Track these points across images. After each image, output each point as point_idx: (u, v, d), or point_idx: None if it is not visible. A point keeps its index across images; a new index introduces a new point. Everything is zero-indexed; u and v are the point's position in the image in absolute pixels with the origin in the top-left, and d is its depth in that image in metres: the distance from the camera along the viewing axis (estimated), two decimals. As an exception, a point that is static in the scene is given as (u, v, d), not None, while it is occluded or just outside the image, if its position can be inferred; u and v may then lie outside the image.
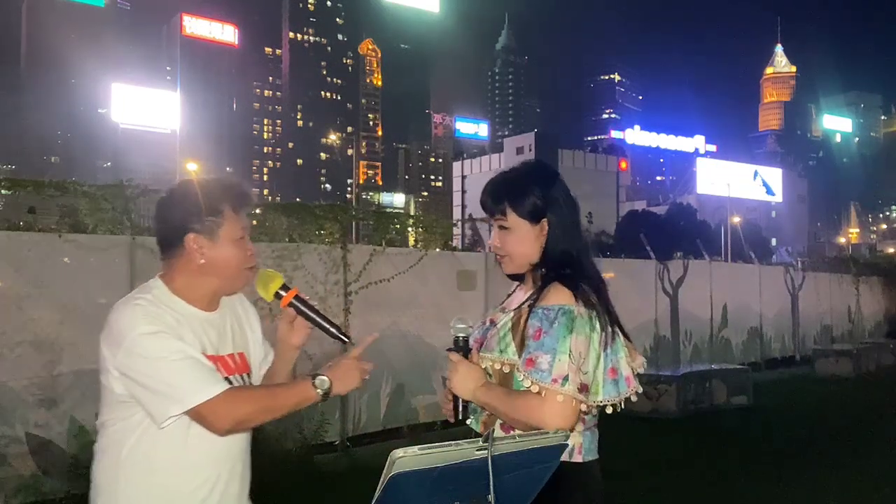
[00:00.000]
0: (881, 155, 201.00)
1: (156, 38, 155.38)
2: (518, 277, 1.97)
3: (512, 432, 1.73)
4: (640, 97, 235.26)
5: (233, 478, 1.88)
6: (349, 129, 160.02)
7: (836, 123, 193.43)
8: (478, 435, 1.81)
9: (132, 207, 6.22)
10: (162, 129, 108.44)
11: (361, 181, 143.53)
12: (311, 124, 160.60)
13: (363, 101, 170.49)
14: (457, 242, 12.12)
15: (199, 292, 1.86)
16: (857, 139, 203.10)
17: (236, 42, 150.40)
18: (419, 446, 1.26)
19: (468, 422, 1.88)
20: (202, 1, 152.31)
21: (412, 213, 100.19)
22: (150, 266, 6.51)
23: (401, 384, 7.75)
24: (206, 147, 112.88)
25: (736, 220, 46.55)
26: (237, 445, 1.88)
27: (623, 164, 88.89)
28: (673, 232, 34.48)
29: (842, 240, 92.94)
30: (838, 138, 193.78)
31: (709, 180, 78.45)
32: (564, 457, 1.73)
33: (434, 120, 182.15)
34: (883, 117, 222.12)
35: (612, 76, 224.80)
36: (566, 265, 1.83)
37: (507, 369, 1.80)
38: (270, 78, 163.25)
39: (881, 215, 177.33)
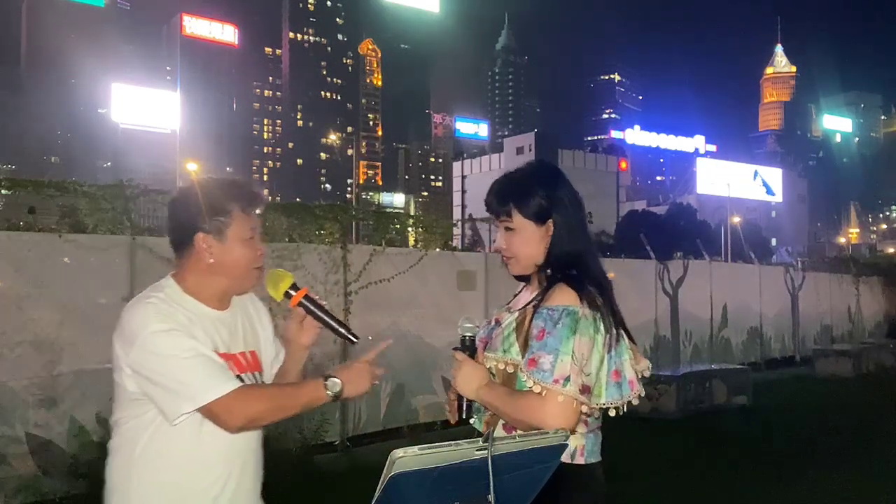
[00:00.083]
0: (881, 155, 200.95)
1: (156, 38, 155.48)
2: (524, 278, 1.96)
3: (514, 432, 1.73)
4: (640, 97, 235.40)
5: (245, 475, 1.89)
6: (349, 129, 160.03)
7: (836, 123, 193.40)
8: (479, 434, 1.81)
9: (132, 207, 6.22)
10: (162, 129, 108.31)
11: (361, 181, 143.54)
12: (311, 124, 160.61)
13: (363, 101, 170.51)
14: (457, 242, 12.12)
15: (209, 291, 1.87)
16: (857, 139, 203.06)
17: (236, 42, 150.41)
18: (419, 446, 1.26)
19: (471, 421, 1.88)
20: (202, 1, 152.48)
21: (412, 213, 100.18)
22: (150, 266, 6.55)
23: (401, 384, 7.75)
24: (206, 147, 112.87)
25: (736, 220, 46.54)
26: (249, 443, 1.89)
27: (623, 164, 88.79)
28: (673, 232, 34.47)
29: (842, 240, 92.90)
30: (838, 138, 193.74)
31: (709, 180, 78.40)
32: (567, 458, 1.73)
33: (434, 120, 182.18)
34: (883, 117, 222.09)
35: (612, 76, 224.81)
36: (572, 266, 1.83)
37: (510, 369, 1.79)
38: (270, 78, 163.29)
39: (881, 215, 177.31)
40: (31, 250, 5.55)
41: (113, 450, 1.84)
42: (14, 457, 5.27)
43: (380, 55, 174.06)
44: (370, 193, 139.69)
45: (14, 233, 5.69)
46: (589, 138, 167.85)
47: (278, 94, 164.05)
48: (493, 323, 1.94)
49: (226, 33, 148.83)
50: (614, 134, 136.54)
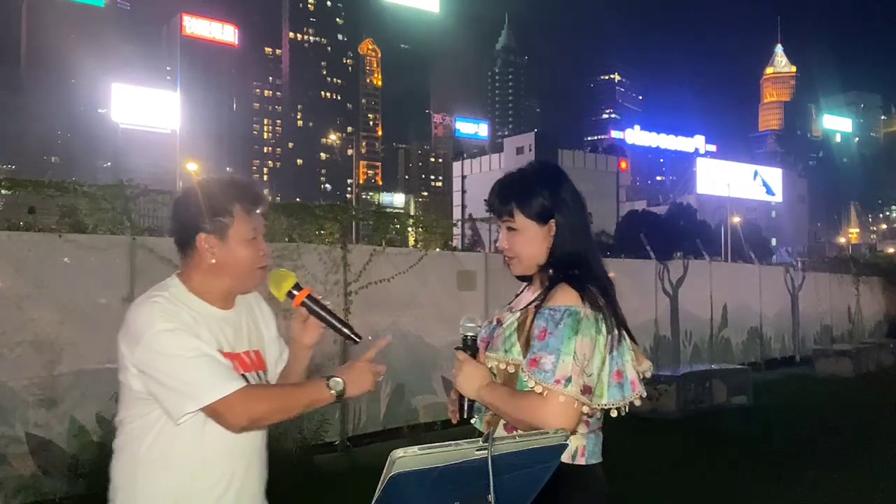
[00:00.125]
0: (881, 155, 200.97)
1: (156, 38, 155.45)
2: (527, 278, 1.96)
3: (515, 432, 1.73)
4: (640, 97, 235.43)
5: (249, 475, 1.89)
6: (349, 129, 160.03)
7: (836, 123, 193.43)
8: (480, 434, 1.81)
9: (132, 207, 6.22)
10: (162, 129, 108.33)
11: (361, 181, 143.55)
12: (311, 124, 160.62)
13: (363, 101, 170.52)
14: (457, 242, 12.12)
15: (214, 291, 1.88)
16: (857, 139, 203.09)
17: (236, 42, 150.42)
18: (419, 446, 1.26)
19: (473, 421, 1.87)
20: (202, 1, 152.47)
21: (412, 213, 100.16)
22: (150, 266, 6.55)
23: (401, 384, 7.75)
24: (206, 147, 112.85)
25: (736, 220, 46.54)
26: (253, 443, 1.90)
27: (623, 164, 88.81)
28: (673, 232, 34.47)
29: (842, 240, 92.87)
30: (838, 138, 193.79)
31: (709, 180, 78.41)
32: (568, 459, 1.73)
33: (434, 120, 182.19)
34: (883, 117, 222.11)
35: (612, 76, 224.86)
36: (574, 266, 1.82)
37: (511, 369, 1.79)
38: (270, 78, 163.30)
39: (881, 215, 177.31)
40: (31, 250, 5.55)
41: (118, 449, 1.84)
42: (14, 457, 5.27)
43: (380, 55, 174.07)
44: (370, 193, 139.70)
45: (14, 233, 5.68)
46: (589, 138, 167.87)
47: (278, 94, 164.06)
48: (494, 323, 1.93)
49: (226, 33, 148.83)
50: (614, 134, 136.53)
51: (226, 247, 1.84)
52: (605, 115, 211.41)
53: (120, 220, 6.10)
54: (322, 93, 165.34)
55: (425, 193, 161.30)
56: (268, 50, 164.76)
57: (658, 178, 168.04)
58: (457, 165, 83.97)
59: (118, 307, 5.82)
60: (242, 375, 1.83)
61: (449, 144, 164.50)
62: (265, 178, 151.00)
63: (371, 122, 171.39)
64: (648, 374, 1.86)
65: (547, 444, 1.46)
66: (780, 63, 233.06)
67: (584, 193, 1.97)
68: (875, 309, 19.28)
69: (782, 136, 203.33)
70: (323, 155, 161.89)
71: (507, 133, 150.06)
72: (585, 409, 1.72)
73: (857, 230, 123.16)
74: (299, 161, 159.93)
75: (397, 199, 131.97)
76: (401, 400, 7.79)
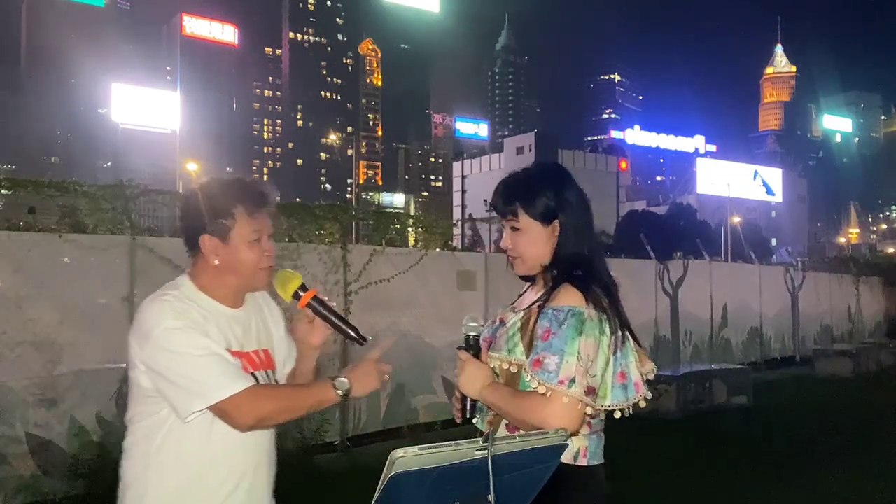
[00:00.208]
0: (881, 155, 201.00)
1: (156, 38, 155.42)
2: (530, 278, 1.96)
3: (516, 432, 1.73)
4: (640, 97, 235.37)
5: (258, 474, 1.90)
6: (349, 129, 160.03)
7: (836, 123, 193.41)
8: (481, 434, 1.81)
9: (132, 207, 6.22)
10: (162, 129, 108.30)
11: (361, 181, 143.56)
12: (311, 124, 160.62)
13: (363, 101, 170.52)
14: (457, 242, 12.13)
15: (221, 290, 1.89)
16: (857, 139, 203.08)
17: (236, 42, 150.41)
18: (419, 446, 1.26)
19: (474, 421, 1.87)
20: (202, 1, 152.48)
21: (412, 213, 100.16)
22: (150, 266, 6.54)
23: (401, 384, 7.75)
24: (206, 147, 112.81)
25: (736, 220, 46.55)
26: (261, 442, 1.91)
27: (623, 164, 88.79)
28: (673, 232, 34.45)
29: (842, 240, 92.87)
30: (838, 138, 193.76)
31: (709, 180, 78.40)
32: (570, 460, 1.73)
33: (434, 120, 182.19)
34: (883, 117, 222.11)
35: (612, 76, 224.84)
36: (578, 266, 1.82)
37: (514, 369, 1.79)
38: (270, 78, 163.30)
39: (881, 215, 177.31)
40: (31, 250, 5.55)
41: (127, 448, 1.85)
42: (14, 457, 5.27)
43: (380, 55, 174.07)
44: (370, 193, 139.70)
45: (14, 233, 5.68)
46: (589, 138, 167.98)
47: (278, 94, 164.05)
48: (497, 322, 1.93)
49: (226, 33, 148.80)
50: (614, 134, 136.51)
51: (228, 248, 1.85)
52: (605, 115, 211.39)
53: (120, 220, 6.10)
54: (322, 93, 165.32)
55: (425, 193, 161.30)
56: (268, 50, 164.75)
57: (658, 178, 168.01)
58: (457, 165, 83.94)
59: (118, 307, 5.82)
60: (251, 374, 1.84)
61: (449, 144, 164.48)
62: (265, 178, 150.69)
63: (371, 122, 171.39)
64: (652, 376, 1.86)
65: (547, 444, 1.46)
66: (780, 63, 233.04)
67: (584, 194, 1.96)
68: (875, 309, 19.28)
69: (782, 136, 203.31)
70: (323, 155, 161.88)
71: (507, 133, 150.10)
72: (589, 410, 1.72)
73: (857, 230, 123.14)
74: (299, 161, 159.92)
75: (397, 199, 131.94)
76: (401, 400, 7.80)
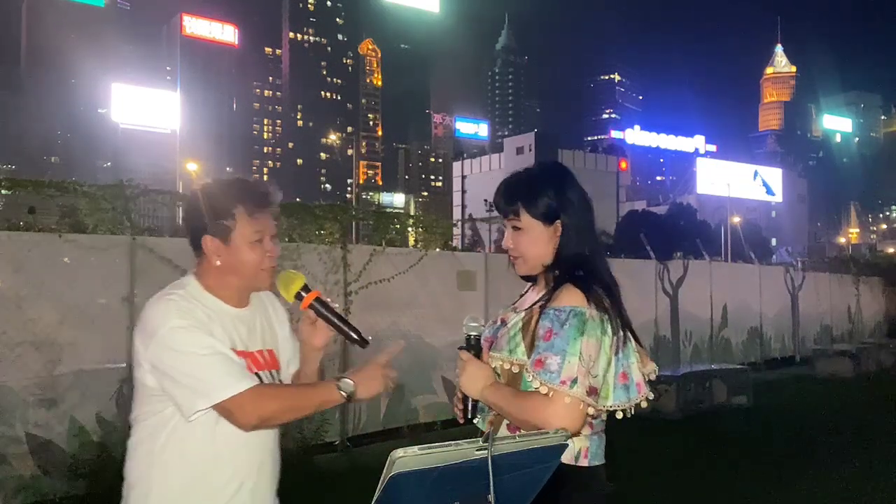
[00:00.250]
0: (881, 155, 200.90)
1: (156, 38, 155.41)
2: (531, 278, 1.95)
3: (517, 433, 1.72)
4: (640, 97, 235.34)
5: (261, 474, 1.91)
6: (349, 129, 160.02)
7: (836, 123, 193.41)
8: (481, 434, 1.80)
9: (132, 207, 6.22)
10: (162, 129, 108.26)
11: (361, 181, 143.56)
12: (311, 124, 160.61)
13: (363, 101, 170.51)
14: (457, 242, 12.13)
15: (225, 290, 1.90)
16: (857, 139, 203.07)
17: (236, 42, 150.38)
18: (419, 446, 1.26)
19: (475, 421, 1.87)
20: (202, 1, 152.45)
21: (412, 213, 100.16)
22: (150, 266, 6.54)
23: (401, 384, 7.73)
24: (206, 147, 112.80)
25: (736, 220, 46.55)
26: (265, 442, 1.91)
27: (623, 164, 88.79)
28: (673, 232, 34.43)
29: (842, 240, 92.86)
30: (838, 138, 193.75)
31: (709, 180, 78.40)
32: (571, 460, 1.73)
33: (434, 120, 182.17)
34: (883, 117, 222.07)
35: (612, 76, 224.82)
36: (579, 267, 1.81)
37: (516, 369, 1.78)
38: (270, 78, 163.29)
39: (881, 215, 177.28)
40: (31, 250, 5.55)
41: (132, 447, 1.86)
42: (14, 457, 5.27)
43: (380, 55, 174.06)
44: (370, 193, 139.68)
45: (14, 233, 5.68)
46: (589, 138, 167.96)
47: (278, 94, 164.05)
48: (498, 322, 1.92)
49: (226, 33, 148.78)
50: (614, 134, 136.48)
51: (230, 249, 1.86)
52: (605, 115, 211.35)
53: (120, 220, 6.10)
54: (322, 93, 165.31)
55: (425, 193, 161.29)
56: (268, 50, 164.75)
57: (658, 178, 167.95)
58: (457, 165, 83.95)
59: (118, 307, 5.82)
60: (255, 374, 1.85)
61: (449, 144, 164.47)
62: (265, 177, 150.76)
63: (371, 122, 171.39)
64: (653, 377, 1.85)
65: (547, 445, 1.46)
66: (780, 63, 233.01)
67: (585, 194, 1.95)
68: (875, 309, 19.28)
69: (782, 136, 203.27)
70: (323, 155, 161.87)
71: (507, 133, 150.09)
72: (591, 410, 1.71)
73: (857, 230, 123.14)
74: (299, 161, 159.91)
75: (397, 199, 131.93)
76: (401, 400, 7.79)
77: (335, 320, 1.92)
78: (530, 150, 76.29)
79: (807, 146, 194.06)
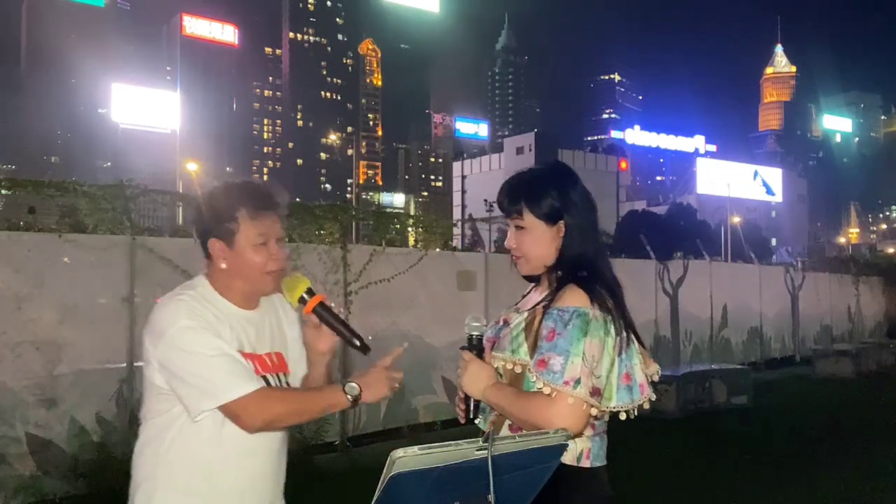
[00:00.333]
0: (881, 155, 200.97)
1: (156, 38, 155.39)
2: (533, 279, 1.95)
3: (519, 433, 1.72)
4: (640, 97, 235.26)
5: (267, 475, 1.91)
6: (349, 129, 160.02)
7: (836, 123, 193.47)
8: (482, 434, 1.80)
9: (132, 207, 6.22)
10: (162, 129, 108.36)
11: (361, 181, 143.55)
12: (311, 124, 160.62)
13: (363, 101, 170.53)
14: (457, 242, 12.13)
15: (234, 292, 1.90)
16: (857, 139, 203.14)
17: (236, 42, 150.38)
18: (419, 446, 1.26)
19: (476, 421, 1.86)
20: (202, 1, 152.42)
21: (412, 213, 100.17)
22: (150, 266, 6.53)
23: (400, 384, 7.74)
24: (206, 147, 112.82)
25: (736, 220, 46.53)
26: (271, 444, 1.91)
27: (623, 164, 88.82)
28: (673, 232, 34.42)
29: (842, 240, 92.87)
30: (838, 138, 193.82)
31: (709, 180, 78.43)
32: (572, 461, 1.72)
33: (434, 120, 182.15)
34: (883, 117, 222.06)
35: (612, 76, 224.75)
36: (582, 267, 1.81)
37: (518, 369, 1.78)
38: (270, 78, 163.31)
39: (881, 215, 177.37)
40: (31, 250, 5.55)
41: (140, 445, 1.87)
42: (14, 457, 5.27)
43: (380, 55, 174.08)
44: (370, 193, 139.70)
45: (14, 233, 5.69)
46: (589, 138, 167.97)
47: (278, 94, 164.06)
48: (501, 323, 1.92)
49: (226, 33, 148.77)
50: (614, 134, 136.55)
51: (234, 252, 1.86)
52: (605, 115, 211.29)
53: (120, 220, 6.11)
54: (322, 93, 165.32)
55: (425, 193, 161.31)
56: (268, 50, 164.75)
57: (658, 178, 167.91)
58: (457, 165, 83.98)
59: (118, 307, 5.83)
60: (263, 376, 1.85)
61: (449, 144, 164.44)
62: (265, 177, 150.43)
63: (371, 122, 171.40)
64: (657, 378, 1.85)
65: (547, 445, 1.46)
66: (780, 63, 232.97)
67: (586, 195, 1.95)
68: (875, 309, 19.29)
69: (782, 136, 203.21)
70: (323, 155, 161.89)
71: (507, 133, 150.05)
72: (594, 411, 1.71)
73: (857, 230, 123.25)
74: (299, 161, 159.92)
75: (397, 199, 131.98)
76: (401, 400, 7.79)
77: (338, 326, 1.91)
78: (530, 150, 76.30)
79: (807, 146, 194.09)
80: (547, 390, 1.67)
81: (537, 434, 1.52)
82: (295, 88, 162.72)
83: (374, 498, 1.27)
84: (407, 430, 7.83)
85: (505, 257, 1.98)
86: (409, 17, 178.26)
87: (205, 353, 1.75)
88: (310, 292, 1.90)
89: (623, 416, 1.78)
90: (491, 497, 1.33)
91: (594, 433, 1.78)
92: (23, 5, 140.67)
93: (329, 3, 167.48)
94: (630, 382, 1.76)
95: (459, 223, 17.38)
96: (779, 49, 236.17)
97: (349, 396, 1.80)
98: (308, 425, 6.42)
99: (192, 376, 1.75)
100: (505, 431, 1.79)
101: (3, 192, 6.52)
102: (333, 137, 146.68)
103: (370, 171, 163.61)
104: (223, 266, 1.87)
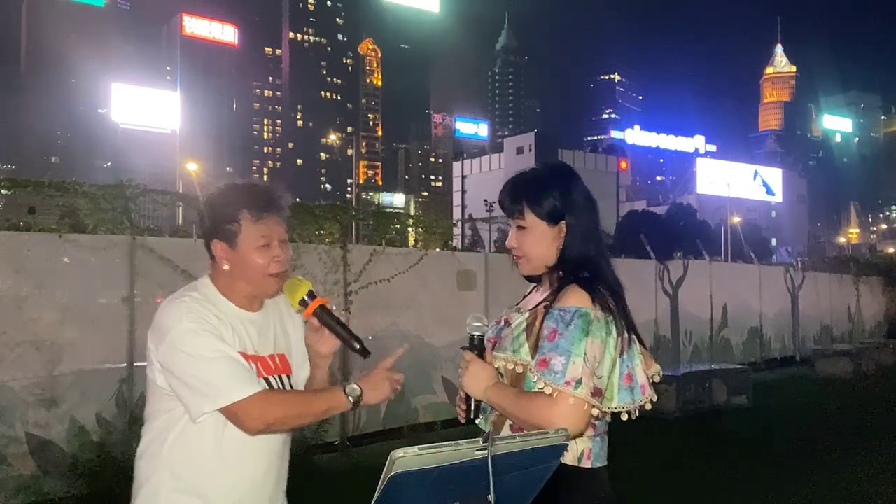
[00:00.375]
0: (881, 155, 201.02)
1: (156, 38, 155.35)
2: (534, 279, 1.95)
3: (520, 433, 1.72)
4: (640, 97, 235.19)
5: (268, 477, 1.91)
6: (349, 129, 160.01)
7: (836, 123, 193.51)
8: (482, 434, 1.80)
9: (132, 207, 6.23)
10: (162, 129, 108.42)
11: (361, 181, 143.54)
12: (311, 124, 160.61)
13: (363, 101, 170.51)
14: (457, 242, 12.13)
15: (237, 293, 1.90)
16: (857, 139, 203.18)
17: (236, 42, 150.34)
18: (419, 446, 1.26)
19: (477, 421, 1.86)
20: (202, 1, 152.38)
21: (412, 213, 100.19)
22: (150, 266, 6.54)
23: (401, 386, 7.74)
24: (206, 147, 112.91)
25: (736, 220, 46.52)
26: (273, 446, 1.91)
27: (623, 164, 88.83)
28: (673, 232, 34.44)
29: (842, 240, 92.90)
30: (838, 138, 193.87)
31: (709, 180, 78.43)
32: (573, 462, 1.72)
33: (434, 120, 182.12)
34: (883, 117, 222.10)
35: (612, 76, 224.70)
36: (584, 268, 1.81)
37: (519, 370, 1.77)
38: (270, 78, 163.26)
39: (881, 215, 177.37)
40: (31, 250, 5.55)
41: (143, 445, 1.87)
42: (14, 457, 5.27)
43: (380, 55, 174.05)
44: (370, 193, 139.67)
45: (14, 233, 5.69)
46: (589, 138, 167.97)
47: (278, 94, 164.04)
48: (502, 323, 1.91)
49: (226, 33, 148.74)
50: (614, 134, 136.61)
51: (236, 253, 1.86)
52: (605, 115, 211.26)
53: (120, 220, 6.11)
54: (322, 93, 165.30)
55: (425, 193, 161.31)
56: (268, 50, 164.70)
57: (658, 178, 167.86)
58: (457, 165, 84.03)
59: (118, 307, 5.83)
60: (265, 379, 1.85)
61: (449, 144, 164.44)
62: (265, 177, 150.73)
63: (371, 122, 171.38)
64: (658, 379, 1.85)
65: (547, 444, 1.45)
66: (780, 63, 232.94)
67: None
68: (875, 309, 19.29)
69: (782, 136, 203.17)
70: (323, 155, 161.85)
71: (507, 133, 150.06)
72: (595, 411, 1.71)
73: (857, 230, 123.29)
74: (299, 161, 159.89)
75: (397, 199, 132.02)
76: (401, 400, 7.79)
77: (338, 329, 1.90)
78: (530, 150, 76.29)
79: (807, 146, 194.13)
80: (548, 391, 1.67)
81: (537, 434, 1.51)
82: (295, 88, 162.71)
83: (374, 498, 1.27)
84: (407, 430, 7.83)
85: (505, 257, 1.98)
86: (409, 17, 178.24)
87: (206, 355, 1.75)
88: (311, 295, 1.90)
89: (625, 417, 1.78)
90: (491, 497, 1.33)
91: (595, 434, 1.78)
92: (23, 5, 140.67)
93: (329, 3, 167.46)
94: (631, 383, 1.76)
95: (459, 223, 17.37)
96: (779, 49, 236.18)
97: (350, 399, 1.80)
98: (308, 425, 6.42)
99: (193, 379, 1.75)
100: (506, 432, 1.78)
101: (3, 192, 6.52)
102: (333, 137, 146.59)
103: (370, 171, 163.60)
104: (226, 267, 1.87)
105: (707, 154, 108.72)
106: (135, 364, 5.75)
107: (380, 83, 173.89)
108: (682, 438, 7.97)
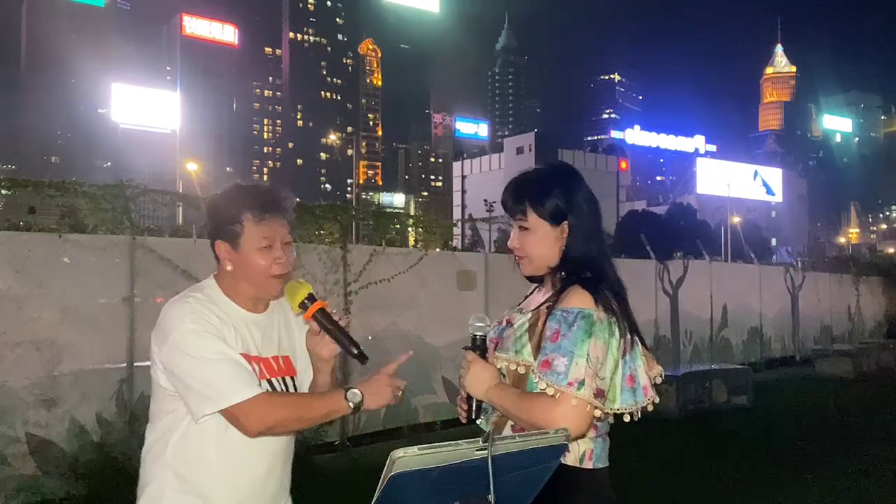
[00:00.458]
0: (881, 155, 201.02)
1: (156, 38, 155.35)
2: (535, 279, 1.94)
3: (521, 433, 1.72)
4: (640, 97, 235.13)
5: (270, 478, 1.91)
6: (349, 129, 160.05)
7: (836, 123, 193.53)
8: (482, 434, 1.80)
9: (132, 207, 6.23)
10: (162, 129, 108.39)
11: (361, 181, 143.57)
12: (311, 124, 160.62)
13: (363, 101, 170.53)
14: (457, 242, 12.13)
15: (240, 294, 1.91)
16: (857, 139, 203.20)
17: (236, 42, 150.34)
18: (419, 446, 1.26)
19: (478, 422, 1.86)
20: (202, 1, 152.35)
21: (412, 213, 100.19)
22: (150, 266, 6.53)
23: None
24: (206, 147, 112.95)
25: (736, 220, 46.54)
26: (275, 448, 1.91)
27: (623, 164, 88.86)
28: (673, 232, 34.44)
29: (842, 240, 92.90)
30: (838, 138, 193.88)
31: (709, 180, 78.43)
32: (575, 463, 1.72)
33: (434, 120, 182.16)
34: (883, 117, 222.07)
35: (612, 76, 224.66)
36: (587, 268, 1.81)
37: (521, 370, 1.77)
38: (270, 78, 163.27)
39: (881, 215, 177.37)
40: (31, 250, 5.55)
41: (147, 445, 1.88)
42: (14, 457, 5.27)
43: (380, 55, 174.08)
44: (370, 193, 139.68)
45: (14, 233, 5.69)
46: (589, 138, 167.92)
47: (278, 94, 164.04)
48: (504, 323, 1.91)
49: (226, 33, 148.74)
50: (614, 134, 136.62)
51: (239, 255, 1.86)
52: (605, 115, 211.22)
53: (120, 220, 6.11)
54: (322, 93, 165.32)
55: (425, 193, 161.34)
56: (268, 50, 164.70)
57: (658, 178, 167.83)
58: (457, 165, 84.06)
59: (118, 307, 5.83)
60: (268, 380, 1.86)
61: (449, 144, 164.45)
62: (265, 177, 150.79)
63: (371, 122, 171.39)
64: (660, 380, 1.85)
65: (547, 445, 1.45)
66: (780, 63, 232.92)
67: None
68: (875, 309, 19.29)
69: (782, 136, 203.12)
70: (323, 155, 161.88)
71: (507, 133, 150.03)
72: (597, 413, 1.70)
73: (857, 230, 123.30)
74: (299, 161, 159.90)
75: (397, 199, 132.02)
76: (401, 400, 7.79)
77: (337, 333, 1.89)
78: (530, 150, 76.30)
79: (807, 146, 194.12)
80: (550, 391, 1.66)
81: (537, 434, 1.51)
82: (295, 88, 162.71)
83: (374, 498, 1.27)
84: (407, 430, 7.83)
85: (505, 257, 1.98)
86: (409, 17, 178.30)
87: (208, 357, 1.75)
88: (311, 298, 1.89)
89: (627, 418, 1.77)
90: (491, 497, 1.33)
91: (597, 434, 1.78)
92: (23, 5, 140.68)
93: (329, 3, 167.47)
94: (634, 384, 1.76)
95: (459, 223, 17.38)
96: (779, 49, 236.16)
97: (351, 404, 1.80)
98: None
99: (194, 380, 1.75)
100: (507, 432, 1.78)
101: (3, 192, 6.52)
102: (333, 137, 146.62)
103: (370, 171, 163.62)
104: (229, 268, 1.87)
105: (707, 154, 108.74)
106: (135, 364, 5.75)
107: (380, 83, 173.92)
108: (682, 438, 7.97)
